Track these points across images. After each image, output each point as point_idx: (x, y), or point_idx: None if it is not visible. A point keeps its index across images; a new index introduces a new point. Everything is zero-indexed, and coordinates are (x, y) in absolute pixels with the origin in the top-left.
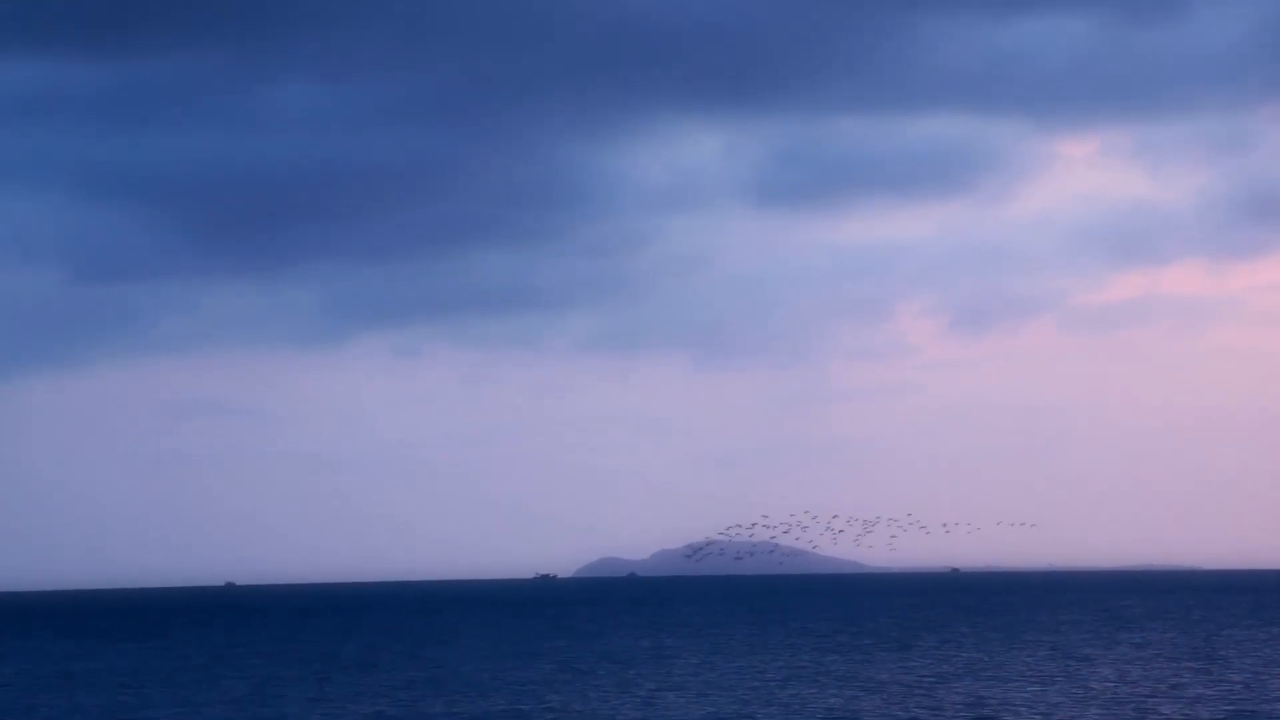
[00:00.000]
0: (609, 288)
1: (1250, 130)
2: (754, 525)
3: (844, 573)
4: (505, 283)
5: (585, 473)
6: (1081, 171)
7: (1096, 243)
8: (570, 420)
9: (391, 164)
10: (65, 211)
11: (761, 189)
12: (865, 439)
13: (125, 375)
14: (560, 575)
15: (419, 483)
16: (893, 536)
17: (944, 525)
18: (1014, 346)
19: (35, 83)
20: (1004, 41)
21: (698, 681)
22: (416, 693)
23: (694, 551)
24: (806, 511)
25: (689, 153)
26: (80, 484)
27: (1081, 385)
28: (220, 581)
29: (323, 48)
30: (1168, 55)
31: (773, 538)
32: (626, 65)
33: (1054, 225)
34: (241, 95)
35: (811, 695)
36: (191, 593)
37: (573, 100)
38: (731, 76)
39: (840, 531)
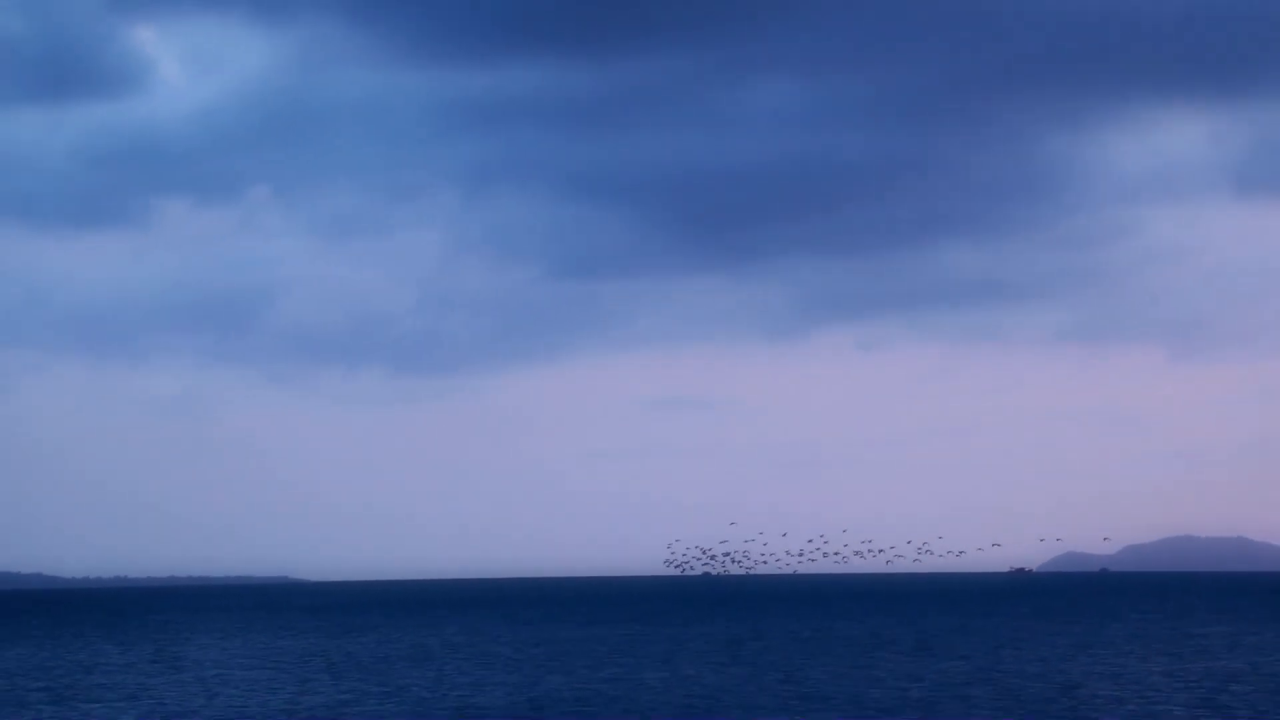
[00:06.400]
0: (1082, 279)
1: None
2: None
3: None
4: (974, 275)
5: (1052, 466)
6: None
7: None
8: (1038, 413)
9: (863, 159)
10: (548, 210)
11: (1247, 177)
12: None
13: (601, 369)
14: (1030, 569)
15: (884, 475)
16: None
17: None
18: None
19: (525, 86)
20: None
21: None
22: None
23: (1164, 546)
24: None
25: (1170, 141)
26: (557, 475)
27: None
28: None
29: (799, 47)
30: None
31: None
32: (1106, 52)
33: None
34: (717, 95)
35: None
36: (668, 582)
37: (1050, 90)
38: (1216, 62)
39: None
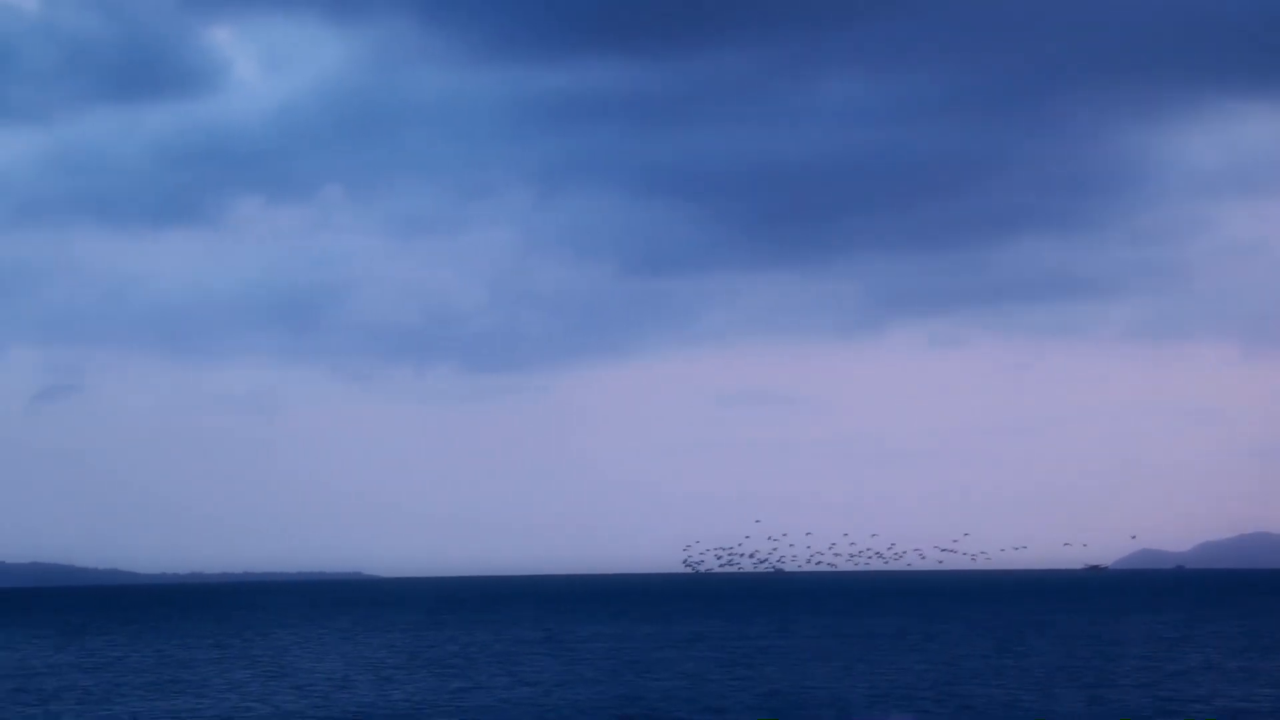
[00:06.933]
0: (1156, 275)
1: None
2: None
3: None
4: (1050, 271)
5: (1126, 462)
6: None
7: None
8: (1113, 409)
9: (934, 155)
10: (620, 208)
11: None
12: None
13: (673, 365)
14: (1105, 566)
15: (960, 471)
16: None
17: None
18: None
19: (597, 84)
20: None
21: None
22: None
23: (1240, 543)
24: None
25: (1246, 136)
26: (627, 470)
27: None
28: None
29: (869, 42)
30: None
31: None
32: (1180, 46)
33: None
34: (788, 92)
35: None
36: (743, 579)
37: (1125, 85)
38: None
39: None
